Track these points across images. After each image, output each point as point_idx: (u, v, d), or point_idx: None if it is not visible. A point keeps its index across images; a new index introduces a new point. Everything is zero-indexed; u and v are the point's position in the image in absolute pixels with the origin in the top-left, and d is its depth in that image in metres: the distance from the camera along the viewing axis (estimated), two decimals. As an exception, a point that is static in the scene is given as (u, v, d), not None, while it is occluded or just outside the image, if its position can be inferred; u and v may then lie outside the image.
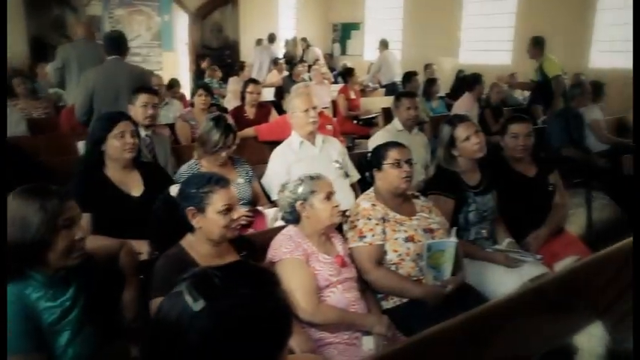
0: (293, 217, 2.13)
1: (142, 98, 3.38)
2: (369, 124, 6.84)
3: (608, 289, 2.31)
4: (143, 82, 3.91)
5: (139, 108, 3.36)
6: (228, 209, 1.82)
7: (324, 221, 2.09)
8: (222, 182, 1.86)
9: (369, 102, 7.52)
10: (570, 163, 4.94)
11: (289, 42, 11.35)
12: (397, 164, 2.35)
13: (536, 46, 6.38)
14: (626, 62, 8.02)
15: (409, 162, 2.38)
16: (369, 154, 2.52)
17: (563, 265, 2.45)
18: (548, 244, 2.86)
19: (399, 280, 2.25)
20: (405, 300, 2.27)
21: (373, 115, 6.84)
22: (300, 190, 2.10)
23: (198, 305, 0.89)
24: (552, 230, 2.93)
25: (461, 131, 2.69)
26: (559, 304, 2.05)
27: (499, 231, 2.81)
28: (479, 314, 1.73)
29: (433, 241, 2.30)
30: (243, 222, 2.47)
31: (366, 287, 2.25)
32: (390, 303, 2.28)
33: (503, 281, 2.50)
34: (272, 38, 10.54)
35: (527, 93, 7.61)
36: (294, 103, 3.29)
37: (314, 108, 3.26)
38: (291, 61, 10.38)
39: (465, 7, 10.16)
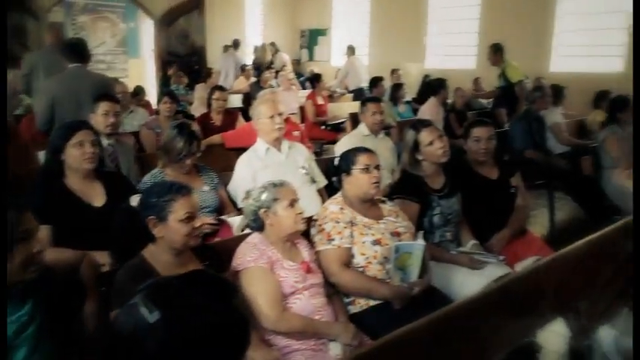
0: (257, 225, 2.12)
1: (103, 106, 3.33)
2: (337, 130, 6.87)
3: (569, 287, 2.37)
4: (105, 90, 3.84)
5: (100, 116, 3.31)
6: (190, 217, 1.80)
7: (287, 229, 2.09)
8: (183, 190, 1.84)
9: (336, 107, 7.56)
10: (533, 165, 5.07)
11: (258, 48, 11.33)
12: (366, 169, 2.36)
13: (496, 52, 6.55)
14: (585, 66, 8.28)
15: (378, 167, 2.40)
16: (338, 159, 2.52)
17: (524, 265, 2.50)
18: (511, 245, 2.91)
19: (367, 281, 2.26)
20: (371, 304, 2.28)
21: (341, 121, 6.88)
22: (263, 197, 2.10)
23: (153, 317, 0.88)
24: (515, 231, 2.98)
25: (424, 136, 2.73)
26: (521, 303, 2.09)
27: (463, 233, 2.85)
28: (443, 316, 1.76)
29: (401, 243, 2.32)
30: (207, 230, 2.45)
31: (333, 292, 2.26)
32: (357, 307, 2.29)
33: (467, 283, 2.53)
34: (236, 44, 10.50)
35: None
36: (260, 109, 3.28)
37: (279, 114, 3.26)
38: (260, 67, 10.37)
39: (430, 13, 10.33)
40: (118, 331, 0.93)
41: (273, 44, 11.13)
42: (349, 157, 2.44)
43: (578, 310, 2.80)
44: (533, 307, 2.19)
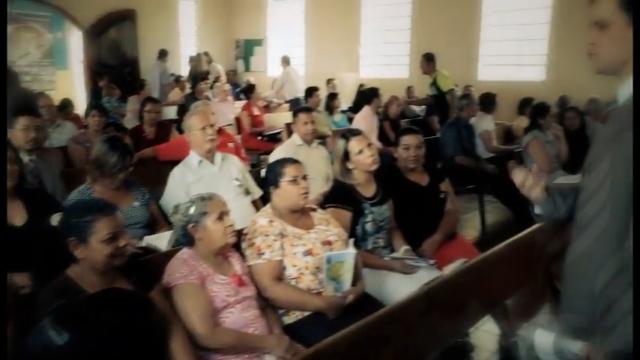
0: (187, 240, 2.09)
1: (23, 121, 3.19)
2: (273, 140, 6.87)
3: (495, 287, 2.48)
4: (24, 104, 3.68)
5: (19, 131, 3.17)
6: (114, 237, 1.75)
7: (217, 242, 2.07)
8: (106, 209, 1.79)
9: (273, 118, 7.56)
10: (463, 170, 5.25)
11: (194, 58, 11.18)
12: (294, 181, 2.37)
13: (428, 62, 6.78)
14: (509, 74, 8.69)
15: (305, 178, 2.42)
16: (265, 172, 2.52)
17: (451, 268, 2.58)
18: (442, 249, 3.00)
19: (299, 295, 2.27)
20: (306, 314, 2.29)
21: (277, 131, 6.89)
22: (192, 211, 2.07)
23: (62, 339, 0.85)
24: (445, 235, 3.07)
25: (354, 145, 2.77)
26: (449, 305, 2.16)
27: (396, 239, 2.91)
28: (373, 321, 1.79)
29: (332, 252, 2.34)
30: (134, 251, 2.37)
31: (266, 304, 2.25)
32: (291, 318, 2.29)
33: (400, 288, 2.58)
34: (163, 54, 10.29)
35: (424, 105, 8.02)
36: (191, 121, 3.25)
37: (211, 126, 3.24)
38: (196, 77, 10.22)
39: (363, 23, 10.53)
40: (26, 355, 0.89)
41: (206, 54, 11.01)
42: (276, 169, 2.44)
43: (505, 308, 2.93)
44: (461, 308, 2.26)
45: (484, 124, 5.96)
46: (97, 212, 1.76)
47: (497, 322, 2.97)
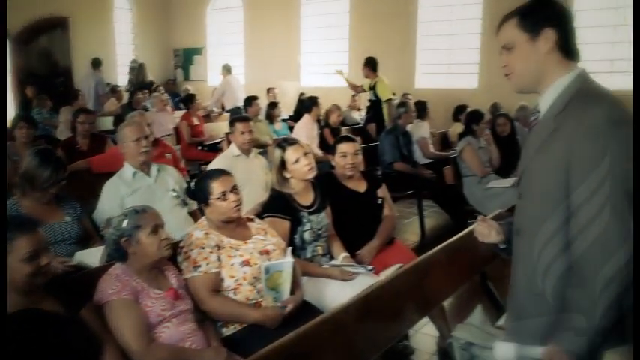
0: (119, 254, 2.04)
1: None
2: (214, 150, 6.80)
3: (430, 289, 2.54)
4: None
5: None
6: (34, 255, 1.67)
7: (151, 256, 2.03)
8: (25, 226, 1.71)
9: (213, 127, 7.49)
10: (402, 176, 5.37)
11: (135, 67, 10.94)
12: (223, 196, 2.35)
13: (369, 65, 6.91)
14: (445, 83, 8.98)
15: (235, 189, 2.40)
16: (193, 187, 2.48)
17: (387, 273, 2.63)
18: (381, 255, 3.05)
19: (236, 307, 2.25)
20: (245, 324, 2.27)
21: (218, 141, 6.83)
22: (124, 225, 2.02)
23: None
24: (383, 241, 3.13)
25: (290, 154, 2.79)
26: (386, 309, 2.20)
27: (334, 246, 2.93)
28: (310, 329, 1.81)
29: (270, 262, 2.34)
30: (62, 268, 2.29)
31: (204, 317, 2.22)
32: (230, 329, 2.28)
33: (340, 294, 2.60)
34: (96, 63, 10.00)
35: (364, 113, 8.17)
36: (124, 132, 3.18)
37: (146, 137, 3.18)
38: (139, 87, 10.02)
39: (302, 32, 10.61)
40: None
41: (134, 62, 10.76)
42: (203, 187, 2.39)
43: (442, 310, 3.02)
44: (398, 311, 2.31)
45: (421, 131, 6.13)
46: (16, 230, 1.67)
47: (434, 324, 3.05)
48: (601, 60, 7.37)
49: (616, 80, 7.24)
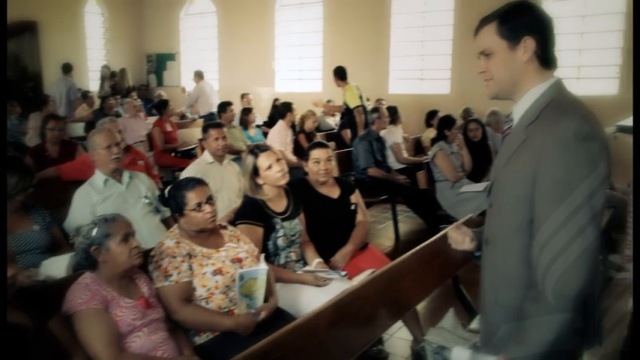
0: (89, 263, 2.01)
1: None
2: (188, 156, 6.75)
3: (403, 293, 2.56)
4: None
5: None
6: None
7: (122, 265, 2.00)
8: None
9: (187, 133, 7.44)
10: (376, 181, 5.41)
11: (117, 73, 10.85)
12: (198, 207, 2.32)
13: (337, 75, 6.97)
14: (418, 88, 9.08)
15: (210, 200, 2.38)
16: (167, 196, 2.45)
17: (359, 278, 2.64)
18: (354, 260, 3.07)
19: (209, 315, 2.24)
20: (217, 333, 2.26)
21: (192, 147, 6.77)
22: (94, 233, 1.99)
23: None
24: (357, 246, 3.14)
25: (263, 160, 2.79)
26: (359, 314, 2.22)
27: (308, 252, 2.94)
28: (282, 335, 1.81)
29: (245, 269, 2.33)
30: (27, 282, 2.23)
31: (176, 326, 2.20)
32: (202, 338, 2.26)
33: (314, 300, 2.60)
34: (67, 68, 9.85)
35: (338, 118, 8.22)
36: (95, 139, 3.15)
37: (117, 144, 3.15)
38: (119, 92, 9.94)
39: (276, 37, 10.61)
40: None
41: (107, 67, 10.64)
42: (178, 197, 2.36)
43: (415, 314, 3.05)
44: (371, 316, 2.33)
45: (394, 136, 6.19)
46: None
47: (408, 328, 3.08)
48: (568, 66, 7.54)
49: (583, 86, 7.45)
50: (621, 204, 4.45)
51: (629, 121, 4.11)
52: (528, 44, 1.42)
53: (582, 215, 1.29)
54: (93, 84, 11.02)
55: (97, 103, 9.19)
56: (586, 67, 7.54)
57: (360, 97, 6.94)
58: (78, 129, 7.82)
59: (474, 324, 2.58)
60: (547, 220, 1.32)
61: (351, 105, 6.86)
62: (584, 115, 1.36)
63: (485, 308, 1.60)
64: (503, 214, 1.48)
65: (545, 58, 1.45)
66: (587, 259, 1.29)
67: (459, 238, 1.80)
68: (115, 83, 10.60)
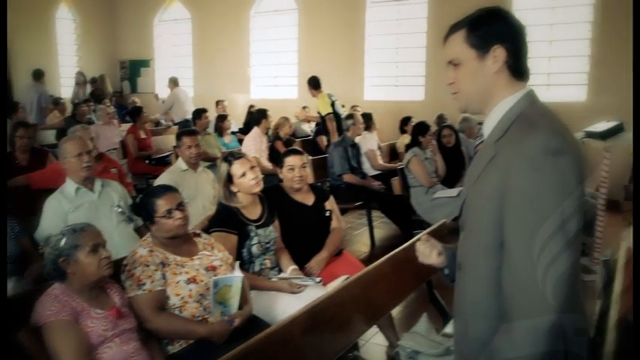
0: (58, 274, 1.98)
1: None
2: (163, 163, 6.69)
3: (377, 299, 2.58)
4: None
5: None
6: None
7: (91, 276, 1.98)
8: None
9: (161, 140, 7.37)
10: (352, 188, 5.44)
11: (98, 79, 10.72)
12: (169, 213, 2.32)
13: (310, 84, 7.06)
14: (393, 95, 9.16)
15: (181, 206, 2.37)
16: (138, 204, 2.43)
17: (333, 285, 2.66)
18: (329, 266, 3.07)
19: (183, 324, 2.22)
20: (191, 341, 2.24)
21: (166, 154, 6.72)
22: (62, 244, 1.96)
23: None
24: (332, 253, 3.15)
25: (237, 168, 2.79)
26: (333, 320, 2.22)
27: (283, 259, 2.94)
28: (257, 342, 1.80)
29: (219, 276, 2.32)
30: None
31: (149, 335, 2.18)
32: (176, 347, 2.24)
33: (289, 307, 2.60)
34: (38, 75, 9.69)
35: (314, 125, 8.25)
36: (65, 147, 3.11)
37: (88, 152, 3.11)
38: (102, 98, 9.84)
39: (251, 44, 10.60)
40: None
41: (81, 74, 10.51)
42: (148, 205, 2.35)
43: (390, 319, 3.06)
44: (346, 322, 2.34)
45: (368, 142, 6.24)
46: None
47: (383, 333, 3.09)
48: (539, 74, 7.70)
49: (553, 93, 7.62)
50: (590, 208, 4.55)
51: (596, 127, 4.23)
52: (498, 53, 1.33)
53: (556, 239, 1.16)
54: (65, 90, 10.84)
55: (70, 109, 9.04)
56: (555, 75, 7.70)
57: (333, 105, 7.02)
58: (49, 136, 7.68)
59: (448, 328, 2.62)
60: (516, 244, 1.21)
61: (323, 112, 6.96)
62: (555, 128, 1.25)
63: (457, 339, 1.49)
64: (473, 236, 1.36)
65: (517, 68, 1.35)
66: (561, 289, 1.16)
67: (427, 251, 1.65)
68: (96, 89, 10.50)
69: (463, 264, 1.42)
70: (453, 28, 1.40)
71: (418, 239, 2.82)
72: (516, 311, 1.20)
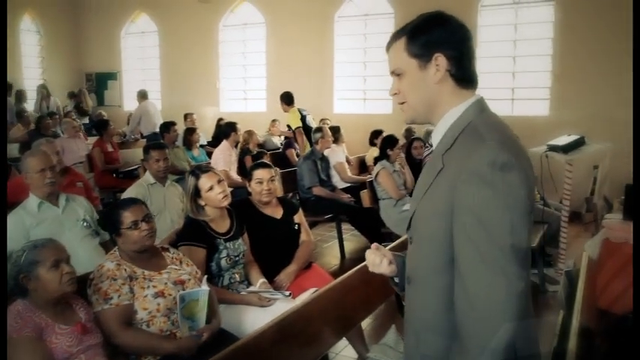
0: (20, 290, 1.93)
1: None
2: (130, 177, 6.59)
3: (346, 311, 2.60)
4: None
5: None
6: None
7: (52, 292, 1.94)
8: None
9: (129, 154, 7.28)
10: (321, 200, 5.46)
11: (78, 93, 10.63)
12: (135, 225, 2.30)
13: (285, 100, 7.15)
14: (362, 108, 9.26)
15: (147, 218, 2.36)
16: (104, 216, 2.40)
17: (302, 298, 2.66)
18: (298, 279, 3.08)
19: (149, 339, 2.20)
20: (159, 357, 2.22)
21: (134, 167, 6.63)
22: (22, 260, 1.92)
23: None
24: (301, 266, 3.16)
25: (204, 181, 2.77)
26: (302, 333, 2.23)
27: (252, 273, 2.93)
28: (224, 356, 1.80)
29: (186, 291, 2.30)
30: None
31: (115, 351, 2.14)
32: (143, 363, 2.21)
33: (258, 321, 2.58)
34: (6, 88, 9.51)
35: (283, 137, 8.28)
36: (28, 162, 3.05)
37: (52, 167, 3.06)
38: (86, 113, 9.87)
39: (220, 57, 10.59)
40: None
41: (44, 87, 10.33)
42: (114, 217, 2.34)
43: (360, 331, 3.08)
44: (315, 334, 2.35)
45: (337, 155, 6.28)
46: None
47: (352, 345, 3.10)
48: (503, 88, 7.90)
49: (517, 107, 7.82)
50: (555, 220, 4.67)
51: (559, 141, 4.35)
52: (440, 62, 1.26)
53: (506, 255, 1.12)
54: (30, 104, 10.62)
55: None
56: (519, 89, 7.91)
57: (304, 119, 7.10)
58: (12, 150, 7.51)
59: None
60: (467, 261, 1.16)
61: (293, 126, 7.03)
62: (503, 141, 1.19)
63: (407, 353, 1.42)
64: (423, 251, 1.30)
65: (461, 76, 1.28)
66: (512, 305, 1.12)
67: (377, 260, 1.51)
68: (80, 103, 10.40)
69: (412, 278, 1.35)
70: (394, 37, 1.34)
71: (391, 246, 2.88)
72: (468, 328, 1.16)
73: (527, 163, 1.20)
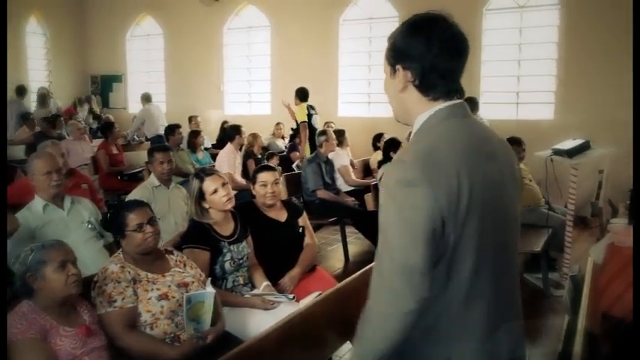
0: (26, 291, 1.94)
1: None
2: (135, 179, 6.61)
3: (352, 314, 2.58)
4: None
5: None
6: None
7: (58, 293, 1.95)
8: None
9: (134, 156, 7.31)
10: (326, 203, 5.46)
11: (84, 99, 10.76)
12: (139, 228, 2.31)
13: (299, 95, 7.23)
14: (366, 112, 9.26)
15: (152, 220, 2.36)
16: (109, 219, 2.41)
17: (306, 301, 2.66)
18: (302, 282, 3.07)
19: (153, 344, 2.19)
20: (163, 359, 2.22)
21: (138, 170, 6.66)
22: (29, 260, 1.94)
23: None
24: (305, 269, 3.15)
25: (208, 184, 2.78)
26: (306, 336, 2.23)
27: (256, 276, 2.93)
28: (229, 359, 1.80)
29: (192, 292, 2.31)
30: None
31: (119, 353, 2.15)
32: (147, 366, 2.21)
33: (262, 324, 2.59)
34: (21, 91, 9.55)
35: (287, 140, 8.29)
36: (35, 164, 3.06)
37: (57, 170, 3.07)
38: (99, 117, 9.99)
39: (225, 60, 10.61)
40: None
41: (45, 89, 10.37)
42: (118, 219, 2.35)
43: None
44: (319, 337, 2.34)
45: (341, 159, 6.28)
46: None
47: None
48: (508, 92, 7.89)
49: (522, 111, 7.81)
50: (559, 224, 4.66)
51: (564, 145, 4.35)
52: (401, 75, 1.28)
53: (396, 273, 1.16)
54: (35, 106, 10.66)
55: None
56: (524, 93, 7.90)
57: (310, 116, 7.19)
58: (18, 152, 7.55)
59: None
60: (373, 270, 1.25)
61: (299, 120, 7.07)
62: (420, 158, 1.19)
63: None
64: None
65: (425, 89, 1.27)
66: (394, 322, 1.18)
67: None
68: (91, 108, 10.61)
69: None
70: (389, 39, 1.35)
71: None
72: (362, 332, 1.29)
73: (442, 182, 1.16)
